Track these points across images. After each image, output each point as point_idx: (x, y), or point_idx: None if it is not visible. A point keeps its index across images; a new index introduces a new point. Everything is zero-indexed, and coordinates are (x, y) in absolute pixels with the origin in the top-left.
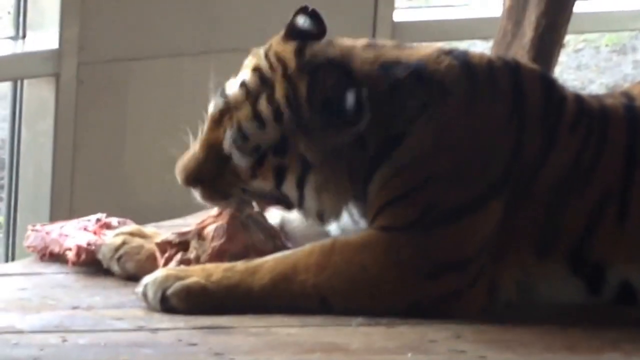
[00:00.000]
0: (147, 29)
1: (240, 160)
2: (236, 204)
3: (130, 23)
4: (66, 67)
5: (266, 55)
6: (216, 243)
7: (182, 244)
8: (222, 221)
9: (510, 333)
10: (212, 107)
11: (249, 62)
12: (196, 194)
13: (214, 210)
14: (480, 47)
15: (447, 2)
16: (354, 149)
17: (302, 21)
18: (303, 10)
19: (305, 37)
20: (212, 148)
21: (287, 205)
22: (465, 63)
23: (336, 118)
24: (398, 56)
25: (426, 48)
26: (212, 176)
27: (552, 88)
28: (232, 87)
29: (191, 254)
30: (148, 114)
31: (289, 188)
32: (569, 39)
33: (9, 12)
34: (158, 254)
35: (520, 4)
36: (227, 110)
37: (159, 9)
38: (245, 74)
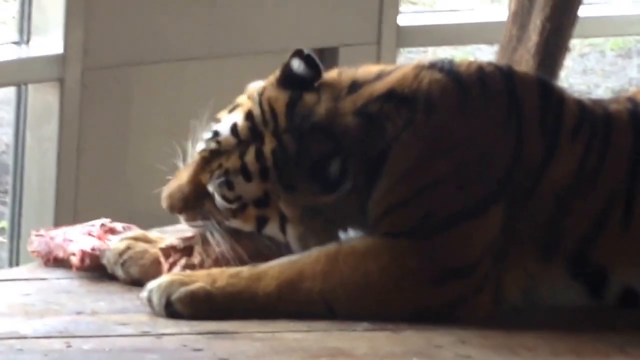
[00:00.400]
0: (152, 34)
1: (222, 204)
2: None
3: (135, 28)
4: (70, 72)
5: (260, 102)
6: (218, 248)
7: (186, 249)
8: None
9: (515, 338)
10: (204, 145)
11: (243, 105)
12: (180, 218)
13: None
14: (486, 52)
15: (452, 6)
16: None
17: (296, 65)
18: (298, 54)
19: (300, 83)
20: (199, 185)
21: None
22: (452, 73)
23: (319, 183)
24: (372, 92)
25: (403, 69)
26: (195, 206)
27: (549, 92)
28: (224, 128)
29: (195, 259)
30: (152, 118)
31: (272, 232)
32: (574, 43)
33: (13, 17)
34: (162, 259)
35: (525, 8)
36: (217, 154)
37: (163, 14)
38: (238, 117)
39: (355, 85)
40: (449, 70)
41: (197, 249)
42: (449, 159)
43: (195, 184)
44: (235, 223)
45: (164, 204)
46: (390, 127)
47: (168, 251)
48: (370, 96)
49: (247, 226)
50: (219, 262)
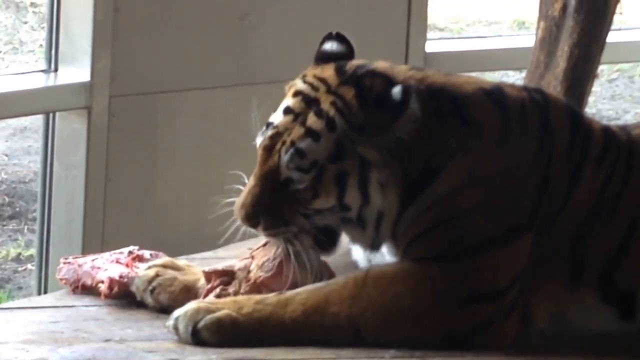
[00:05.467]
0: (179, 62)
1: (300, 180)
2: (296, 232)
3: (162, 55)
4: (98, 99)
5: (304, 80)
6: (261, 274)
7: (226, 274)
8: (274, 255)
9: None
10: (261, 138)
11: (289, 91)
12: (258, 230)
13: (261, 241)
14: (513, 79)
15: (479, 32)
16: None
17: (329, 46)
18: (328, 36)
19: (338, 58)
20: (268, 178)
21: (331, 240)
22: (503, 106)
23: (386, 111)
24: (444, 83)
25: (469, 84)
26: (271, 206)
27: (579, 123)
28: (277, 117)
29: (231, 288)
30: (180, 146)
31: (352, 195)
32: (602, 69)
33: (40, 45)
34: (205, 283)
35: (553, 34)
36: (277, 137)
37: (190, 42)
38: (288, 101)
39: (415, 68)
40: (501, 104)
41: (239, 275)
42: (483, 189)
43: (264, 178)
44: (317, 203)
45: (240, 216)
46: (452, 142)
47: (210, 275)
48: (442, 85)
49: (329, 200)
50: (254, 287)
